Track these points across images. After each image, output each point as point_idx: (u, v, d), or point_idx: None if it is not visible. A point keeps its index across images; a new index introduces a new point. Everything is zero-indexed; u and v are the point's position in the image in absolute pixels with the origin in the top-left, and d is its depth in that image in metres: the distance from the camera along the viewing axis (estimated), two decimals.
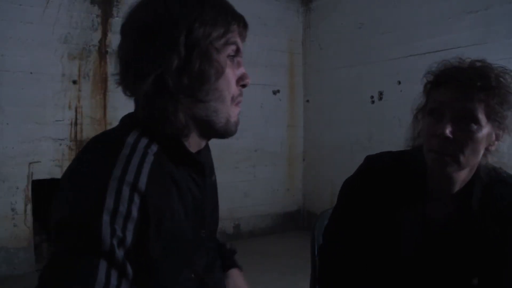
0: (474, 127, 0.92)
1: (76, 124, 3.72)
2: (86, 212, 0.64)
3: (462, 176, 1.01)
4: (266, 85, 4.75)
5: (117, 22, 3.87)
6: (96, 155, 0.73)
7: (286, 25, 4.98)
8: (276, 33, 4.88)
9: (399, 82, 3.86)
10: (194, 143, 0.83)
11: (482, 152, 0.97)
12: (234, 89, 0.81)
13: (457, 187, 1.02)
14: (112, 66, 3.83)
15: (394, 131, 3.66)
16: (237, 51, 0.81)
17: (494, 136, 0.97)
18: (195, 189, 0.82)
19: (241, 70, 0.83)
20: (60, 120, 3.66)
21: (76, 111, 3.73)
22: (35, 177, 3.54)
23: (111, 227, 0.64)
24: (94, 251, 0.62)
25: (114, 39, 3.86)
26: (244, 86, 0.83)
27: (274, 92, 4.82)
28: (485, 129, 0.94)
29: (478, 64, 0.97)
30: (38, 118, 3.55)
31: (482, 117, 0.92)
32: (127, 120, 0.83)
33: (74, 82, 3.72)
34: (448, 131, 0.92)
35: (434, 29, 3.53)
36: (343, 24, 4.58)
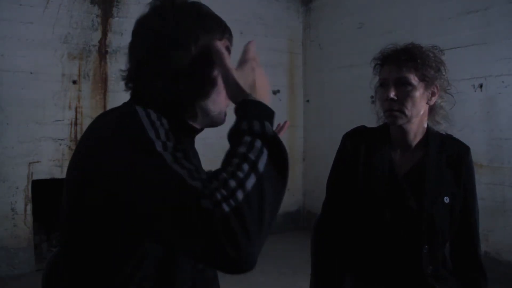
0: (409, 87, 1.28)
1: (76, 124, 3.72)
2: (139, 140, 0.75)
3: (413, 128, 1.35)
4: None
5: (117, 22, 3.87)
6: (121, 115, 0.84)
7: (286, 25, 4.98)
8: (276, 33, 4.88)
9: None
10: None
11: (423, 105, 1.32)
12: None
13: (412, 137, 1.36)
14: (112, 66, 3.85)
15: None
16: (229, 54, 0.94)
17: (430, 92, 1.32)
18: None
19: None
20: (60, 120, 3.66)
21: (76, 111, 3.73)
22: (35, 177, 3.54)
23: (161, 141, 0.74)
24: (158, 159, 0.72)
25: (114, 39, 3.86)
26: None
27: (274, 92, 4.82)
28: (419, 88, 1.29)
29: (409, 46, 1.33)
30: (38, 118, 3.55)
31: (414, 80, 1.28)
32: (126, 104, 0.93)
33: (74, 82, 3.72)
34: (392, 94, 1.29)
35: (434, 29, 3.53)
36: (343, 24, 4.58)
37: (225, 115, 0.96)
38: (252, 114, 0.75)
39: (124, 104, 0.93)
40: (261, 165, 0.69)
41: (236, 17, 4.35)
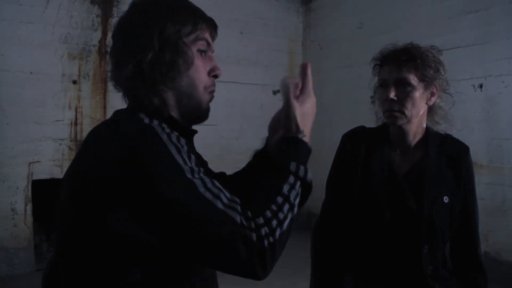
0: (409, 88, 1.28)
1: (76, 124, 3.73)
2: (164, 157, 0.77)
3: (413, 128, 1.34)
4: (266, 85, 4.75)
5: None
6: (132, 124, 0.84)
7: (286, 25, 4.98)
8: (276, 33, 4.88)
9: None
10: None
11: (422, 105, 1.32)
12: (206, 79, 0.93)
13: (412, 137, 1.36)
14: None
15: None
16: (208, 46, 0.94)
17: (429, 93, 1.32)
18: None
19: (213, 63, 0.95)
20: (60, 120, 3.66)
21: (76, 111, 3.73)
22: (35, 177, 3.54)
23: (183, 159, 0.78)
24: (183, 178, 0.76)
25: None
26: (215, 76, 0.95)
27: (274, 92, 4.81)
28: (419, 89, 1.29)
29: (408, 46, 1.32)
30: (38, 118, 3.55)
31: (413, 80, 1.28)
32: (122, 111, 0.93)
33: (74, 82, 3.72)
34: (392, 94, 1.28)
35: (434, 29, 3.53)
36: (343, 24, 4.58)
37: (207, 110, 0.95)
38: (301, 158, 0.87)
39: (129, 113, 0.90)
40: (296, 207, 0.83)
41: (236, 17, 4.35)
